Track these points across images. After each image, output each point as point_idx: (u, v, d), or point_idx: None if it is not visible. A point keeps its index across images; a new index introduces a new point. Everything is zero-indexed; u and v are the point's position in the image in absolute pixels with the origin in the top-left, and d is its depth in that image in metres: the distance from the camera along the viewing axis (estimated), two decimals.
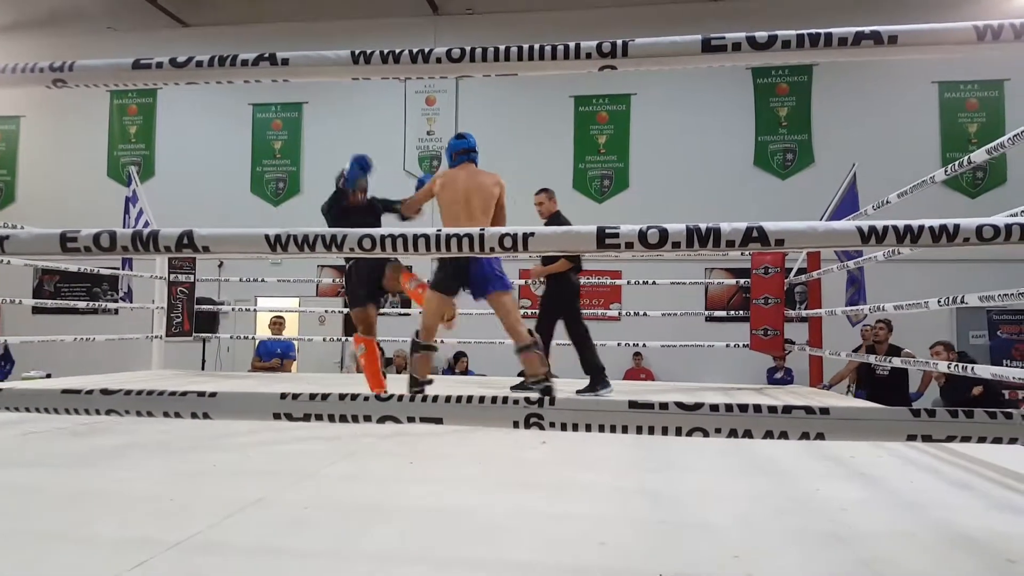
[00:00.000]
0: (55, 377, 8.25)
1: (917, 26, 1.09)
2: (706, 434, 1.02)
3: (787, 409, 1.00)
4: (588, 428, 1.05)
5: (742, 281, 6.23)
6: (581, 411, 1.06)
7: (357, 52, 1.22)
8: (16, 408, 1.25)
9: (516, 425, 1.08)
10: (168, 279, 6.22)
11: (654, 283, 6.07)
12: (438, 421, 1.12)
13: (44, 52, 11.51)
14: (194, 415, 1.17)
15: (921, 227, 1.00)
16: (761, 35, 1.13)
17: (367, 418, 1.14)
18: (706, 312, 8.27)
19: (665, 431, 1.03)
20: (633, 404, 1.04)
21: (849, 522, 1.70)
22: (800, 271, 5.59)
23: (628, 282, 6.51)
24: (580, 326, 4.58)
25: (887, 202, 3.49)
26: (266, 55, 1.23)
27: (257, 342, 7.72)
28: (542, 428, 1.07)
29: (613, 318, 8.58)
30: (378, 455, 2.50)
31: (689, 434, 1.02)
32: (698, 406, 1.02)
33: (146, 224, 6.60)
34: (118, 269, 6.62)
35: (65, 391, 1.23)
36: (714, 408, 1.01)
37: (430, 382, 3.80)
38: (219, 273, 9.60)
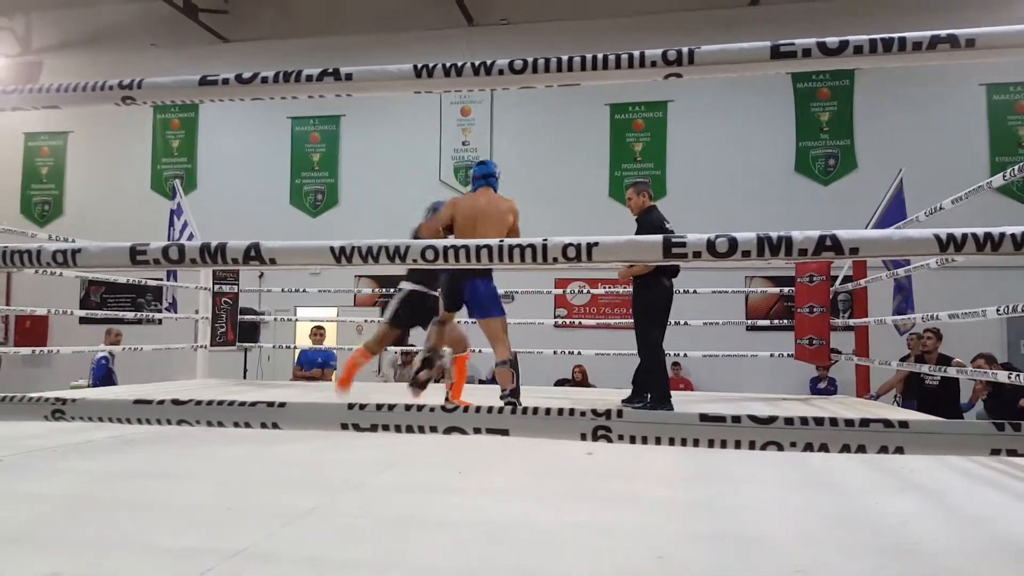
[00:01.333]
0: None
1: (996, 29, 1.06)
2: (781, 448, 0.99)
3: (864, 422, 0.98)
4: (658, 441, 1.03)
5: (785, 290, 6.13)
6: (650, 424, 1.04)
7: (420, 66, 1.23)
8: (89, 418, 1.29)
9: (584, 437, 1.07)
10: (212, 290, 6.34)
11: (695, 292, 6.00)
12: (504, 432, 1.11)
13: (88, 71, 11.88)
14: (264, 425, 1.19)
15: (1003, 235, 0.97)
16: (832, 40, 1.11)
17: (433, 429, 1.14)
18: (748, 321, 8.14)
19: (738, 445, 1.01)
20: (704, 417, 1.02)
21: (912, 536, 1.66)
22: (846, 279, 5.47)
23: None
24: (651, 335, 4.24)
25: (940, 208, 3.40)
26: (330, 70, 1.25)
27: (298, 351, 7.82)
28: (610, 441, 1.06)
29: None
30: (425, 465, 2.51)
31: (763, 448, 1.00)
32: (772, 419, 1.00)
33: (191, 236, 6.76)
34: (162, 280, 6.79)
35: (137, 401, 1.26)
36: (788, 422, 0.99)
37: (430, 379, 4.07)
38: (260, 284, 9.76)
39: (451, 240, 1.14)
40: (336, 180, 11.21)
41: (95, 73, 12.01)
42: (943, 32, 1.08)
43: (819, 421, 0.99)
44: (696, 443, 1.02)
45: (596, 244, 1.11)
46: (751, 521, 1.82)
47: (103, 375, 8.00)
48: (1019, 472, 2.34)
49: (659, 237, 1.10)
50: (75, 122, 11.89)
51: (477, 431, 1.13)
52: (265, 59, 11.27)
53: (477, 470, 2.39)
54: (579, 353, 6.46)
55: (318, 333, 7.67)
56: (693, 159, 10.19)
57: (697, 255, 1.07)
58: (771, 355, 5.74)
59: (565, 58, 1.19)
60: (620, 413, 1.06)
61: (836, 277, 5.45)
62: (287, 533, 1.65)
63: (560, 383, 9.08)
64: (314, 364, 7.43)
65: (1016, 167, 2.82)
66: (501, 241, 1.16)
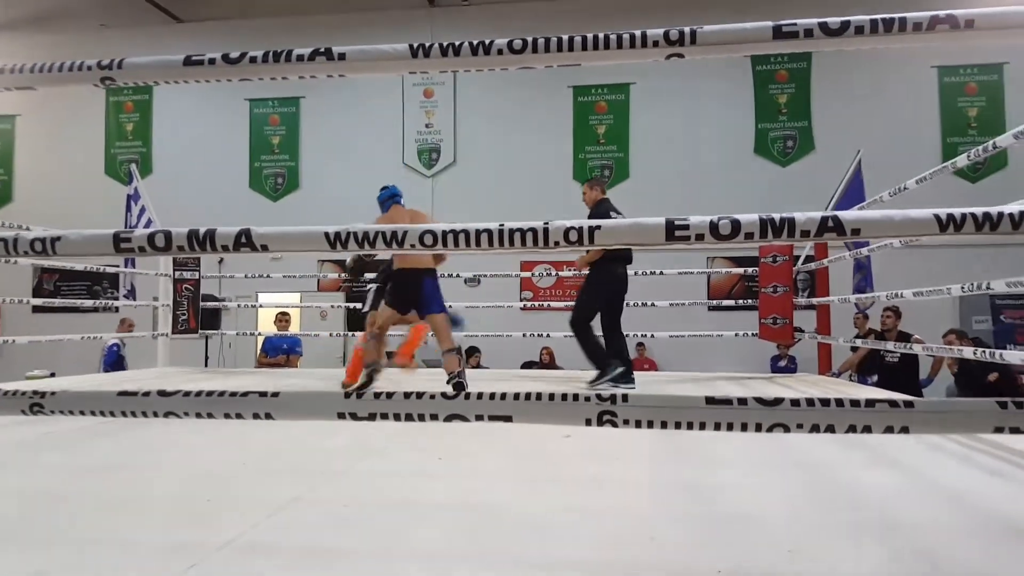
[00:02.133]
0: (59, 376, 8.22)
1: (995, 9, 1.08)
2: (787, 430, 1.00)
3: (871, 403, 0.99)
4: (664, 425, 1.03)
5: (748, 270, 6.23)
6: (656, 408, 1.04)
7: (416, 46, 1.20)
8: (72, 412, 1.23)
9: (588, 423, 1.06)
10: (173, 276, 6.18)
11: (661, 273, 6.06)
12: (507, 419, 1.10)
13: (37, 51, 11.39)
14: (257, 416, 1.16)
15: (1001, 214, 0.99)
16: (834, 21, 1.11)
17: (434, 417, 1.12)
18: (711, 301, 8.27)
19: (745, 427, 1.01)
20: (711, 400, 1.02)
21: (896, 513, 1.70)
22: (808, 259, 5.59)
23: (634, 272, 6.50)
24: (578, 314, 4.54)
25: (904, 188, 3.48)
26: (322, 50, 1.21)
27: (263, 338, 7.68)
28: (615, 425, 1.06)
29: None
30: (405, 451, 2.49)
31: (770, 430, 1.01)
32: (778, 401, 1.01)
33: (149, 222, 6.55)
34: (119, 267, 6.58)
35: (122, 393, 1.21)
36: (795, 403, 1.00)
37: (380, 367, 4.30)
38: (220, 269, 9.55)
39: (450, 225, 1.12)
40: (297, 163, 10.98)
41: (43, 55, 11.53)
42: (943, 12, 1.09)
43: (825, 402, 1.00)
44: (703, 426, 1.02)
45: (599, 227, 1.10)
46: (735, 501, 1.85)
47: (114, 361, 8.01)
48: (994, 448, 2.42)
49: (661, 220, 1.09)
50: (23, 105, 11.38)
51: (479, 418, 1.11)
52: (221, 40, 10.93)
53: (457, 456, 2.38)
54: (547, 335, 6.48)
55: (283, 319, 7.53)
56: (655, 141, 10.28)
57: (700, 237, 1.07)
58: (736, 335, 5.85)
59: (566, 38, 1.17)
60: (625, 397, 1.06)
61: (798, 257, 5.56)
62: (273, 523, 1.62)
63: (527, 365, 9.11)
64: (279, 350, 7.31)
65: (976, 149, 2.90)
66: (501, 225, 1.14)
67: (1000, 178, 9.30)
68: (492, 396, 1.11)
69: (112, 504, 1.82)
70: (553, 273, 9.68)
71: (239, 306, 7.74)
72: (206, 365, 8.79)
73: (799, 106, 10.07)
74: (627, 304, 6.57)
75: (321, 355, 9.77)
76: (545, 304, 8.42)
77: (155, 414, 1.20)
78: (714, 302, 8.02)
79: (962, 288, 2.87)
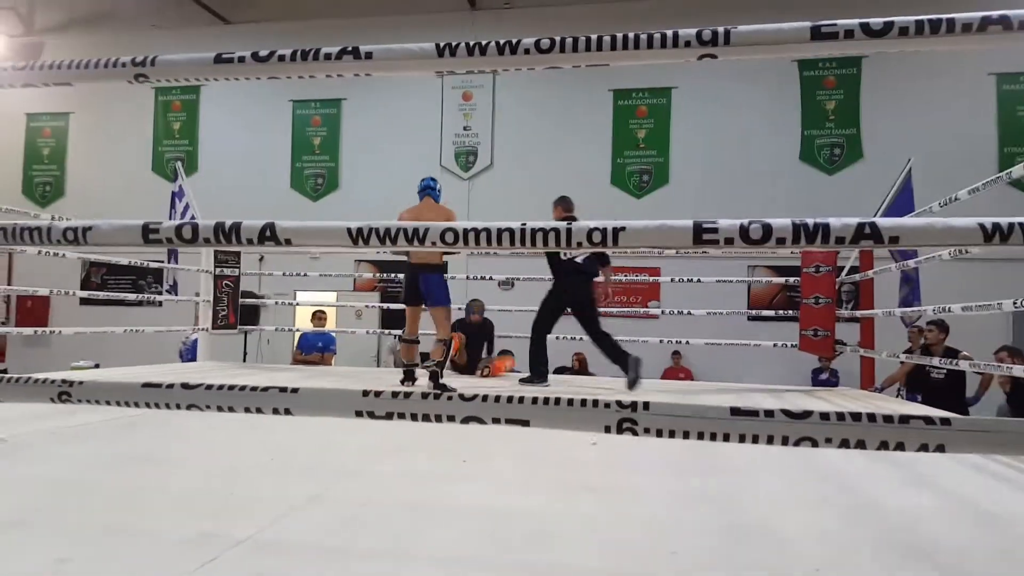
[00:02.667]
0: (103, 367, 8.45)
1: None
2: (815, 444, 0.96)
3: (904, 419, 0.94)
4: (686, 435, 1.00)
5: (789, 280, 6.09)
6: (678, 417, 1.01)
7: (443, 45, 1.18)
8: (98, 401, 1.25)
9: (608, 430, 1.04)
10: (214, 273, 6.30)
11: (698, 280, 5.96)
12: (525, 423, 1.08)
13: (90, 51, 11.64)
14: (276, 411, 1.16)
15: None
16: (876, 22, 1.06)
17: (451, 418, 1.11)
18: (750, 311, 8.11)
19: (771, 440, 0.97)
20: (736, 411, 0.99)
21: (929, 534, 1.62)
22: (852, 270, 5.43)
23: (671, 279, 6.41)
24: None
25: (955, 199, 3.35)
26: (349, 48, 1.20)
27: (299, 335, 7.79)
28: (635, 433, 1.03)
29: (652, 316, 8.47)
30: (425, 451, 2.46)
31: (797, 444, 0.97)
32: (807, 414, 0.97)
33: (192, 218, 6.70)
34: (163, 263, 6.75)
35: (146, 385, 1.23)
36: (824, 416, 0.96)
37: (416, 365, 4.75)
38: (260, 267, 9.74)
39: (472, 223, 1.11)
40: (337, 164, 11.14)
41: (96, 54, 11.85)
42: (995, 13, 1.03)
43: (856, 416, 0.95)
44: (727, 438, 0.98)
45: (623, 229, 1.08)
46: (760, 515, 1.79)
47: (193, 356, 8.24)
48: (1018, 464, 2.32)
49: (689, 223, 1.06)
50: (77, 103, 11.79)
51: (496, 421, 1.09)
52: (267, 41, 11.14)
53: (481, 459, 2.35)
54: (580, 339, 6.42)
55: (320, 317, 7.63)
56: (696, 147, 10.13)
57: (729, 241, 1.03)
58: (774, 345, 5.72)
59: (595, 37, 1.15)
60: (647, 405, 1.02)
61: (842, 268, 5.41)
62: (290, 521, 1.62)
63: (559, 371, 9.06)
64: (314, 348, 7.40)
65: None
66: (523, 224, 1.12)
67: None
68: (510, 399, 1.08)
69: (137, 495, 1.85)
70: None
71: (277, 303, 7.86)
72: (244, 360, 8.96)
73: (847, 113, 9.83)
74: (668, 312, 6.52)
75: (356, 353, 9.89)
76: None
77: (177, 406, 1.21)
78: (754, 312, 7.86)
79: (1014, 303, 2.75)
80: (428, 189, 4.59)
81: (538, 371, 5.01)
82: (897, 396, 6.54)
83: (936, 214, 3.64)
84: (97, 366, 9.09)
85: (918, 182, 5.25)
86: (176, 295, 7.24)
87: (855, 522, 1.74)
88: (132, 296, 7.46)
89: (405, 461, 2.35)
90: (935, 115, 9.40)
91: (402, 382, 4.68)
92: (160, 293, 9.41)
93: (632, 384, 4.43)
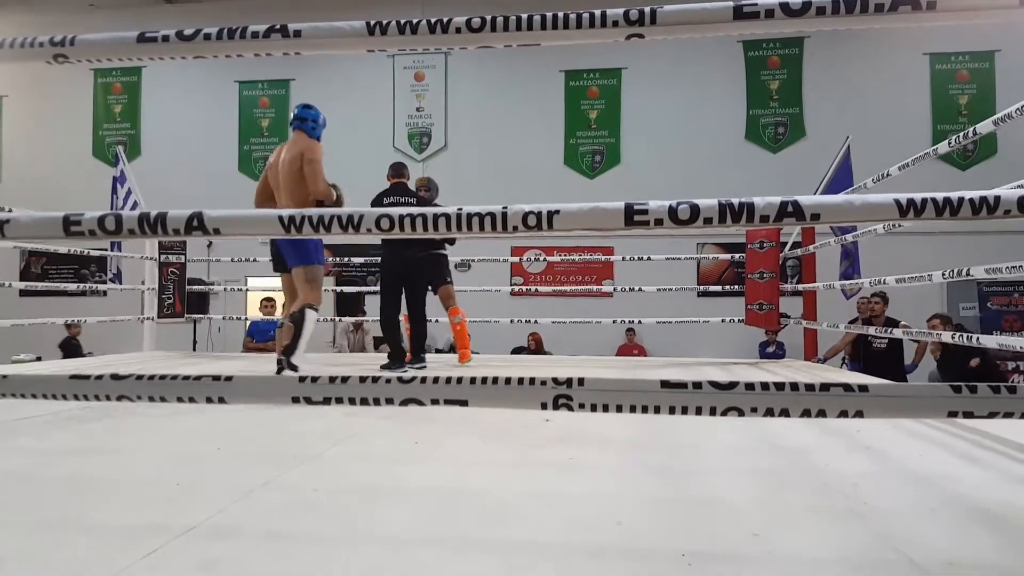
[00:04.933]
0: (45, 359, 8.17)
1: None
2: (741, 413, 1.00)
3: (825, 387, 0.99)
4: (619, 409, 1.03)
5: (736, 256, 6.23)
6: (611, 392, 1.03)
7: (373, 23, 1.17)
8: (23, 395, 1.21)
9: (544, 407, 1.05)
10: (159, 260, 6.13)
11: (649, 259, 6.05)
12: (463, 403, 1.09)
13: (25, 30, 11.24)
14: (209, 400, 1.14)
15: (961, 199, 0.97)
16: (795, 1, 1.09)
17: (389, 401, 1.11)
18: (699, 287, 8.28)
19: (699, 411, 1.01)
20: (665, 384, 1.02)
21: (864, 497, 1.70)
22: (795, 245, 5.59)
23: (623, 258, 6.49)
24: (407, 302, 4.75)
25: (887, 175, 3.47)
26: (277, 27, 1.18)
27: (249, 323, 7.66)
28: (571, 409, 1.05)
29: (606, 294, 8.58)
30: (380, 435, 2.47)
31: (724, 414, 1.00)
32: (732, 385, 1.00)
33: (135, 205, 6.50)
34: (107, 250, 6.53)
35: (74, 376, 1.19)
36: (749, 387, 0.99)
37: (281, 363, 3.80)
38: (208, 253, 9.50)
39: (406, 209, 1.10)
40: None
41: (33, 33, 11.34)
42: None
43: (779, 386, 0.99)
44: (657, 410, 1.01)
45: (557, 212, 1.09)
46: (704, 485, 1.85)
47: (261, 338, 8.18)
48: (966, 432, 2.43)
49: (620, 204, 1.08)
50: (10, 86, 11.25)
51: (435, 402, 1.10)
52: (212, 21, 10.80)
53: (434, 440, 2.37)
54: (535, 322, 6.47)
55: (268, 305, 7.52)
56: (647, 127, 10.23)
57: (659, 222, 1.05)
58: (722, 320, 5.86)
59: (524, 16, 1.14)
60: (581, 381, 1.05)
61: (785, 243, 5.55)
62: (241, 507, 1.61)
63: (516, 351, 9.12)
64: (266, 335, 7.29)
65: (959, 135, 2.89)
66: (460, 209, 1.12)
67: (991, 165, 9.31)
68: (448, 380, 1.09)
69: (82, 488, 1.80)
70: (543, 259, 9.64)
71: (226, 290, 7.70)
72: (194, 349, 8.76)
73: (791, 92, 10.04)
74: (620, 289, 6.60)
75: (310, 338, 9.76)
76: (534, 289, 8.40)
77: (107, 398, 1.18)
78: (703, 288, 8.03)
79: (943, 275, 2.87)
80: (297, 120, 3.76)
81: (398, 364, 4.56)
82: (841, 366, 6.78)
83: (870, 190, 3.76)
84: (39, 359, 8.79)
85: (858, 158, 5.42)
86: (120, 284, 7.02)
87: (795, 489, 1.81)
88: (73, 286, 7.20)
89: (360, 444, 2.35)
90: (873, 94, 9.68)
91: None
92: (104, 282, 9.11)
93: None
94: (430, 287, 5.09)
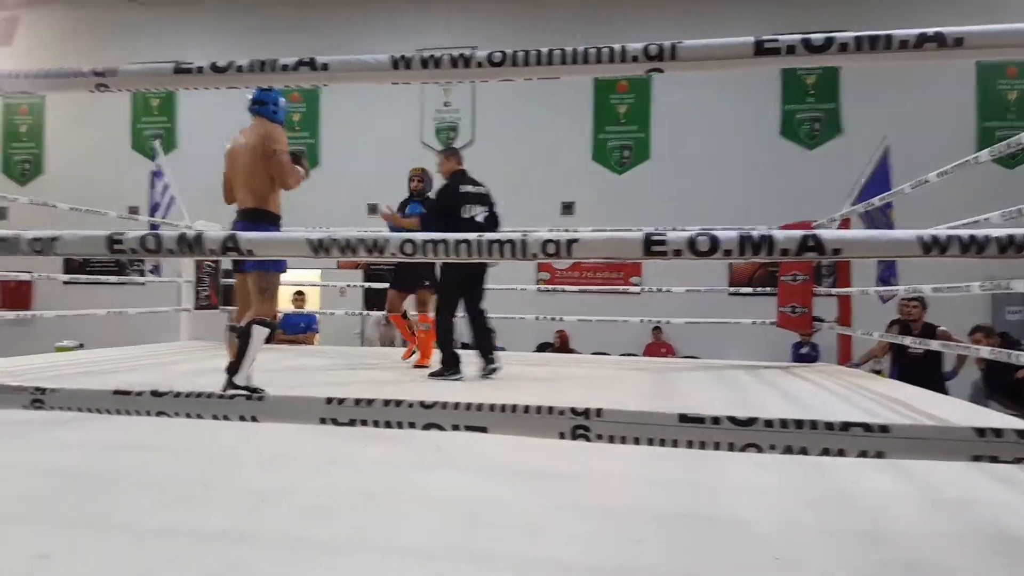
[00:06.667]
0: (88, 347, 8.43)
1: (984, 28, 1.04)
2: (760, 450, 1.00)
3: (845, 426, 0.99)
4: (636, 442, 1.04)
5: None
6: (629, 424, 1.05)
7: (397, 57, 1.20)
8: (70, 408, 1.28)
9: (562, 436, 1.08)
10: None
11: None
12: (483, 430, 1.12)
13: (67, 26, 11.63)
14: (242, 418, 1.19)
15: (987, 237, 0.96)
16: (818, 37, 1.08)
17: (412, 425, 1.14)
18: (730, 288, 8.18)
19: (717, 446, 1.02)
20: (684, 418, 1.03)
21: (891, 520, 1.68)
22: None
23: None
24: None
25: (925, 181, 3.40)
26: (306, 59, 1.21)
27: (281, 315, 7.80)
28: (588, 440, 1.07)
29: (633, 292, 8.54)
30: (400, 440, 2.45)
31: (743, 450, 1.01)
32: (751, 421, 1.01)
33: (172, 199, 6.67)
34: None
35: (116, 392, 1.25)
36: (768, 424, 1.00)
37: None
38: None
39: (429, 235, 1.13)
40: (317, 140, 11.03)
41: (75, 29, 11.69)
42: (931, 30, 1.05)
43: (799, 424, 0.99)
44: (675, 444, 1.03)
45: (576, 240, 1.10)
46: (725, 502, 1.84)
47: None
48: None
49: (640, 235, 1.09)
50: None
51: (456, 428, 1.13)
52: (246, 14, 10.98)
53: (456, 446, 2.37)
54: (561, 319, 6.48)
55: (299, 298, 7.69)
56: (678, 122, 10.11)
57: (678, 253, 1.06)
58: (753, 322, 5.79)
59: (545, 51, 1.16)
60: (599, 412, 1.06)
61: None
62: (263, 512, 1.66)
63: (542, 348, 9.15)
64: (297, 328, 7.44)
65: (1004, 143, 2.81)
66: (480, 236, 1.14)
67: None
68: (468, 406, 1.12)
69: (114, 484, 1.88)
70: None
71: None
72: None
73: (828, 87, 9.82)
74: (648, 289, 6.57)
75: (340, 330, 9.92)
76: (561, 290, 8.39)
77: (148, 413, 1.23)
78: (734, 288, 7.94)
79: (980, 286, 2.81)
80: (256, 105, 3.51)
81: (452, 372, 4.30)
82: (880, 371, 6.65)
83: (908, 195, 3.69)
84: (81, 346, 9.06)
85: (898, 155, 5.28)
86: (159, 276, 7.22)
87: (820, 509, 1.79)
88: (114, 278, 7.42)
89: (384, 448, 2.37)
90: (915, 89, 9.40)
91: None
92: (143, 274, 9.35)
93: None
94: (426, 284, 4.95)
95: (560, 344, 9.05)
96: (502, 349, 7.90)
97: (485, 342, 4.38)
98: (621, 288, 8.27)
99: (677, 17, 9.78)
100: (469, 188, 4.36)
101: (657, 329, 9.51)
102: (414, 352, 5.19)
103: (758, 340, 8.27)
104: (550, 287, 8.97)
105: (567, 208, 10.07)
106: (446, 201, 4.34)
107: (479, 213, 4.33)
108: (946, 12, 6.46)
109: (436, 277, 4.87)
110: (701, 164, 9.82)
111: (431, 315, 4.78)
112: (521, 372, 4.67)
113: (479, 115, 10.68)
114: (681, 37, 1.17)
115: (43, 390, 1.33)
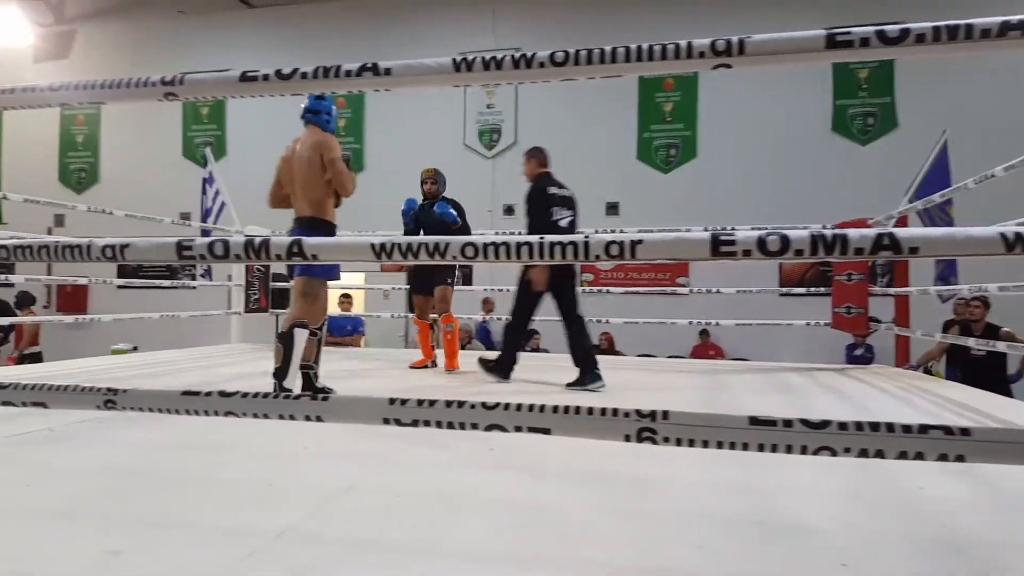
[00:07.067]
0: (141, 349, 8.71)
1: None
2: (834, 454, 0.97)
3: (923, 429, 0.95)
4: (705, 444, 1.02)
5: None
6: (697, 427, 1.03)
7: (459, 59, 1.20)
8: (141, 408, 1.31)
9: (628, 439, 1.06)
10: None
11: None
12: (546, 431, 1.11)
13: (122, 38, 11.98)
14: (308, 418, 1.21)
15: None
16: (892, 29, 1.04)
17: (474, 426, 1.14)
18: (781, 289, 8.01)
19: (789, 449, 0.99)
20: (755, 421, 1.00)
21: (962, 528, 1.62)
22: None
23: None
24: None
25: (991, 176, 3.27)
26: (369, 65, 1.23)
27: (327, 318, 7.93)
28: (654, 442, 1.05)
29: (681, 293, 8.43)
30: (456, 438, 2.45)
31: (815, 453, 0.98)
32: (825, 424, 0.98)
33: (222, 205, 6.84)
34: None
35: (185, 393, 1.28)
36: (842, 426, 0.97)
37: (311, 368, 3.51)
38: None
39: (490, 237, 1.13)
40: (362, 145, 11.19)
41: (128, 40, 12.13)
42: (1014, 18, 1.01)
43: (875, 426, 0.96)
44: (745, 447, 1.00)
45: (640, 242, 1.09)
46: (790, 506, 1.80)
47: (485, 336, 9.49)
48: None
49: (707, 235, 1.07)
50: None
51: (518, 429, 1.13)
52: (290, 23, 11.21)
53: (509, 446, 2.37)
54: (607, 321, 6.43)
55: (347, 301, 7.80)
56: (725, 119, 9.93)
57: (747, 253, 1.04)
58: (806, 324, 5.66)
59: (608, 49, 1.15)
60: (666, 415, 1.05)
61: None
62: (328, 512, 1.69)
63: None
64: (344, 331, 7.55)
65: None
66: (541, 238, 1.13)
67: None
68: (531, 408, 1.12)
69: (180, 484, 1.93)
70: None
71: None
72: None
73: (881, 81, 9.52)
74: (693, 290, 6.48)
75: (386, 332, 10.04)
76: (605, 290, 8.31)
77: (216, 413, 1.26)
78: (785, 289, 7.77)
79: None
80: (309, 114, 3.58)
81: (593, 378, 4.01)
82: (930, 372, 6.43)
83: (971, 191, 3.55)
84: (136, 348, 9.37)
85: (958, 150, 5.09)
86: (210, 280, 7.42)
87: (886, 514, 1.74)
88: (166, 282, 7.66)
89: (436, 447, 2.39)
90: (975, 80, 9.04)
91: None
92: (194, 278, 9.62)
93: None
94: (447, 281, 4.86)
95: (606, 346, 8.98)
96: (546, 351, 7.88)
97: (581, 351, 4.03)
98: (669, 289, 8.17)
99: (716, 17, 9.63)
100: (555, 190, 4.15)
101: (704, 332, 9.36)
102: (426, 365, 5.10)
103: (810, 342, 8.08)
104: (595, 288, 8.92)
105: (612, 208, 9.99)
106: (536, 205, 4.08)
107: (565, 217, 4.11)
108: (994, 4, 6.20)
109: (455, 274, 4.93)
110: (750, 162, 9.63)
111: (452, 316, 4.86)
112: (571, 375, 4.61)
113: (521, 117, 10.68)
114: (727, 33, 1.15)
115: (115, 391, 1.37)
